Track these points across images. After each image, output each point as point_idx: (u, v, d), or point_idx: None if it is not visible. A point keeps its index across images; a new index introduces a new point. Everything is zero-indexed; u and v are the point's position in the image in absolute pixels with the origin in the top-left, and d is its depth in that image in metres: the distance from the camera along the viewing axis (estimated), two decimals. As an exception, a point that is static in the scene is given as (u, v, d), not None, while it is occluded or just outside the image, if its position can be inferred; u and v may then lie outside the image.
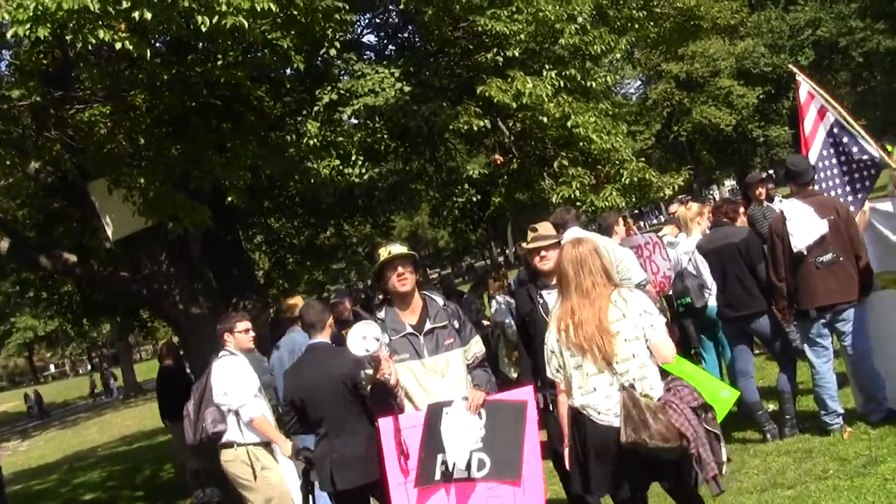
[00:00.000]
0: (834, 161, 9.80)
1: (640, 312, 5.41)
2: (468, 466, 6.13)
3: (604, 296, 5.43)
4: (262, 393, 8.32)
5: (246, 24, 8.03)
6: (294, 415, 6.97)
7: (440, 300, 6.75)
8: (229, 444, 8.07)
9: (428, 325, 6.45)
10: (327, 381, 6.82)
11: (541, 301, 6.77)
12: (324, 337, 7.19)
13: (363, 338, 6.06)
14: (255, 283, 14.15)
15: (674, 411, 5.21)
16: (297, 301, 9.73)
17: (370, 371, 6.17)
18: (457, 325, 6.59)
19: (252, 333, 8.39)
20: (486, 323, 12.89)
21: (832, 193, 9.59)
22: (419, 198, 18.10)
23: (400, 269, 6.40)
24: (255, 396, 8.05)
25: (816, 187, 9.17)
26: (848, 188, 9.71)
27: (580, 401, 5.47)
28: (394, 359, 6.26)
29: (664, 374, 5.51)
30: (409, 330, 6.42)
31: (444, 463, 6.12)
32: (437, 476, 6.14)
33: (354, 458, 6.68)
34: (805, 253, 8.16)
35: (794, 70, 10.92)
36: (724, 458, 5.36)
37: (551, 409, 6.51)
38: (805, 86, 10.19)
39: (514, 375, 10.61)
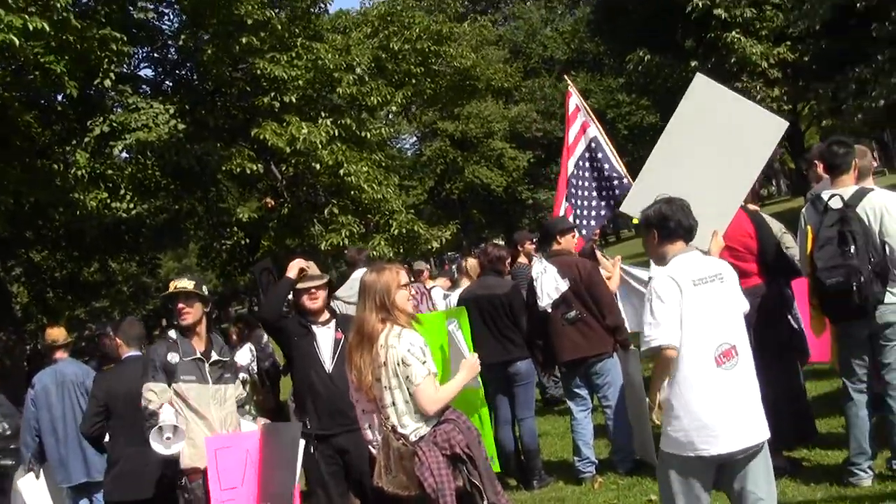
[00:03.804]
0: (588, 174, 10.51)
1: (397, 362, 5.17)
2: None
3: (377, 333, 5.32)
4: None
5: (17, 43, 7.88)
6: (103, 417, 7.12)
7: (220, 339, 7.08)
8: None
9: (214, 357, 6.67)
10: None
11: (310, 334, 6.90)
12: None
13: (167, 438, 6.19)
14: (13, 316, 13.60)
15: (419, 460, 5.15)
16: (60, 332, 9.39)
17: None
18: (231, 364, 7.00)
19: None
20: None
21: (581, 202, 10.52)
22: (188, 238, 17.92)
23: (181, 305, 6.58)
24: None
25: (569, 202, 10.11)
26: (594, 203, 10.55)
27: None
28: (182, 380, 6.46)
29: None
30: (198, 356, 6.60)
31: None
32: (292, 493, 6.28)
33: (145, 471, 6.93)
34: (549, 311, 8.64)
35: (567, 80, 11.64)
36: None
37: (312, 451, 6.62)
38: (574, 98, 10.89)
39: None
